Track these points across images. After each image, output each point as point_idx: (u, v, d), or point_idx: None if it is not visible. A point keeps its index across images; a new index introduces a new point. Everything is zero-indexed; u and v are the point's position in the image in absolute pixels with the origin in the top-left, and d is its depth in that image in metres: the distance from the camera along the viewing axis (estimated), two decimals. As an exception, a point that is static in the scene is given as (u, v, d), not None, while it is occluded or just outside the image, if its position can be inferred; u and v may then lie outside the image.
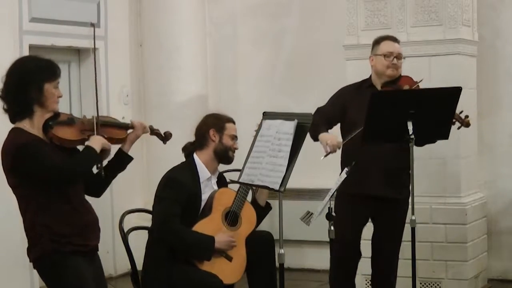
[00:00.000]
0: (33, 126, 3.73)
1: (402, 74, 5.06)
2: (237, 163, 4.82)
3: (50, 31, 6.68)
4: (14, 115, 3.74)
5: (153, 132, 4.26)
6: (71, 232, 3.76)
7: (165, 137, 4.30)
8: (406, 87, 4.94)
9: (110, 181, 4.04)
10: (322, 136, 4.85)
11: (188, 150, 4.81)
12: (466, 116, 4.93)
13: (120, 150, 4.07)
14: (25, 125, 3.73)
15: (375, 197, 4.98)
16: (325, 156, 4.80)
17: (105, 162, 3.93)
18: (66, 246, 3.73)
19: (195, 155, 4.76)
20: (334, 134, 4.95)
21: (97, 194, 4.05)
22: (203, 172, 4.72)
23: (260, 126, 4.02)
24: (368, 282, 6.18)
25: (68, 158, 3.77)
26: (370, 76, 5.14)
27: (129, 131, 4.10)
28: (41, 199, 3.71)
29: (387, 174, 4.94)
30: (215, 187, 4.78)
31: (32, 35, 6.51)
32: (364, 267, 5.21)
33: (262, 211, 4.87)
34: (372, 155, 4.90)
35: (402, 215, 5.11)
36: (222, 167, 6.51)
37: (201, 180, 4.69)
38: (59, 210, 3.74)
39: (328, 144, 4.77)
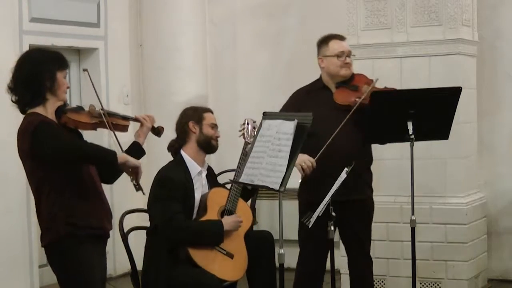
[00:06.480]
0: (46, 112, 3.76)
1: (354, 72, 4.88)
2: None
3: (50, 31, 6.68)
4: (26, 104, 3.76)
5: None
6: (88, 214, 3.76)
7: (158, 131, 4.24)
8: (365, 87, 4.73)
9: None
10: None
11: (174, 147, 4.85)
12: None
13: (136, 142, 4.09)
14: (39, 110, 3.75)
15: (340, 202, 4.53)
16: (302, 179, 4.60)
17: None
18: (83, 230, 3.73)
19: (182, 152, 4.80)
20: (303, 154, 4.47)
21: (108, 181, 4.05)
22: (193, 167, 4.77)
23: (260, 126, 4.03)
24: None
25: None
26: (321, 77, 4.94)
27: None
28: (56, 182, 3.71)
29: (349, 176, 4.41)
30: (205, 181, 4.81)
31: (32, 35, 6.51)
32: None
33: (248, 193, 4.93)
34: (333, 158, 4.55)
35: (368, 215, 4.94)
36: (221, 167, 6.53)
37: (192, 176, 4.74)
38: (75, 193, 3.74)
39: (304, 168, 4.53)
